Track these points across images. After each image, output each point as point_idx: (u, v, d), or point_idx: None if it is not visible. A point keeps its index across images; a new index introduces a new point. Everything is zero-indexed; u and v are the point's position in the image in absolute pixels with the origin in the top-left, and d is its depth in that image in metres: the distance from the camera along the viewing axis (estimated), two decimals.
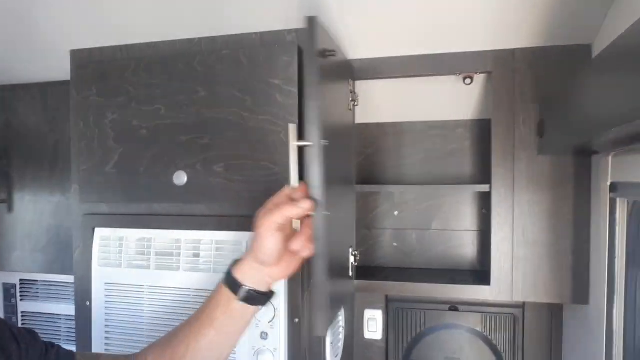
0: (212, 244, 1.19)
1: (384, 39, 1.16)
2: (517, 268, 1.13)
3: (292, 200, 0.80)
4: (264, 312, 1.13)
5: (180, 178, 1.21)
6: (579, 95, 0.97)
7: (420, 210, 1.41)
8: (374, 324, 1.45)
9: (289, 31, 1.16)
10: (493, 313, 1.34)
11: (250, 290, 0.84)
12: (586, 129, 0.82)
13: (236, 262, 0.88)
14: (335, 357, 1.26)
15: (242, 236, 1.17)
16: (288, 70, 1.14)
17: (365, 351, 1.48)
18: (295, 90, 1.14)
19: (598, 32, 1.03)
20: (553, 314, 1.33)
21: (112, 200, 1.26)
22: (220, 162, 1.19)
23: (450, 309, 1.38)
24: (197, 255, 1.21)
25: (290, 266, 0.85)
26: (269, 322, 1.14)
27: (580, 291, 1.09)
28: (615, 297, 0.86)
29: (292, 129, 0.86)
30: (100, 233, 1.28)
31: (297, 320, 1.14)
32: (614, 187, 0.85)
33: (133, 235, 1.25)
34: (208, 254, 1.20)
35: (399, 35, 1.13)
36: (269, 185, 1.15)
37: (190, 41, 1.23)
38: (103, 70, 1.27)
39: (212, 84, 1.19)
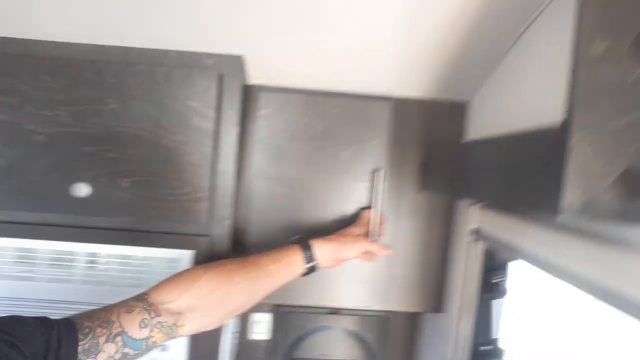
0: (111, 258, 1.19)
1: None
2: (393, 283, 1.34)
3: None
4: None
5: (81, 189, 1.18)
6: (455, 148, 1.19)
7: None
8: (259, 326, 1.58)
9: (210, 55, 1.19)
10: (368, 315, 1.55)
11: (318, 267, 1.07)
12: (462, 184, 1.03)
13: (317, 240, 1.08)
14: None
15: (146, 251, 1.19)
16: (206, 95, 1.18)
17: (249, 351, 1.59)
18: (212, 114, 1.18)
19: (475, 93, 1.26)
20: (415, 318, 1.60)
21: None
22: (128, 177, 1.18)
23: (330, 313, 1.56)
24: (92, 268, 1.19)
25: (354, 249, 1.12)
26: None
27: (438, 303, 1.34)
28: (461, 314, 1.10)
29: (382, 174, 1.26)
30: None
31: None
32: (476, 232, 1.08)
33: (11, 244, 1.17)
34: (106, 267, 1.19)
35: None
36: (179, 203, 1.19)
37: (99, 48, 1.18)
38: None
39: (124, 98, 1.17)
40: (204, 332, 0.99)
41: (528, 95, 0.98)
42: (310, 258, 1.05)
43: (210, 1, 1.00)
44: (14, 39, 1.18)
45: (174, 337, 0.89)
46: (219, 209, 1.20)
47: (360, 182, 1.33)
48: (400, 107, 1.33)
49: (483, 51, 1.08)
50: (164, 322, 0.86)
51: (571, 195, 0.57)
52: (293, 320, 1.56)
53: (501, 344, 1.07)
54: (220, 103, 1.19)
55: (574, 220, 0.61)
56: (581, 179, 0.57)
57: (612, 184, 0.57)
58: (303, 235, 1.11)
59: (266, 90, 1.32)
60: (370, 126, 1.32)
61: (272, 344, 1.57)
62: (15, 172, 1.17)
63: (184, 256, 1.19)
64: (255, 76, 1.29)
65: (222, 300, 0.94)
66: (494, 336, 1.08)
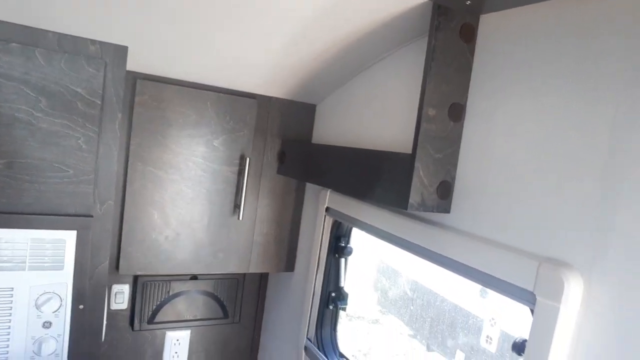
0: None
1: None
2: (253, 250, 1.63)
3: None
4: (48, 303, 1.22)
5: None
6: (306, 143, 1.52)
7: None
8: (121, 297, 1.68)
9: (93, 41, 1.22)
10: (223, 279, 1.81)
11: None
12: (312, 173, 1.37)
13: None
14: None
15: (26, 234, 1.19)
16: (92, 82, 1.22)
17: (111, 320, 1.68)
18: (99, 101, 1.23)
19: (323, 98, 1.61)
20: (262, 278, 1.93)
21: None
22: (1, 158, 1.15)
23: (191, 279, 1.76)
24: None
25: None
26: (53, 312, 1.24)
27: (291, 264, 1.69)
28: (317, 271, 1.48)
29: None
30: None
31: (81, 306, 1.28)
32: (327, 210, 1.44)
33: None
34: None
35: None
36: (61, 186, 1.22)
37: None
38: None
39: None
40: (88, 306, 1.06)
41: (361, 114, 1.37)
42: None
43: None
44: None
45: None
46: (102, 191, 1.27)
47: (229, 166, 1.54)
48: (264, 104, 1.59)
49: (335, 70, 1.42)
50: None
51: (413, 197, 0.96)
52: (154, 289, 1.70)
53: (346, 289, 1.48)
54: (106, 90, 1.24)
55: (412, 211, 1.00)
56: (418, 187, 0.96)
57: (434, 190, 0.98)
58: None
59: (145, 78, 1.40)
60: (239, 119, 1.54)
61: (132, 313, 1.69)
62: None
63: (69, 236, 1.23)
64: (135, 64, 1.36)
65: None
66: (341, 284, 1.48)
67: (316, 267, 1.48)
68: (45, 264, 1.21)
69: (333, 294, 1.46)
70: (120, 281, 1.66)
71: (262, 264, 1.66)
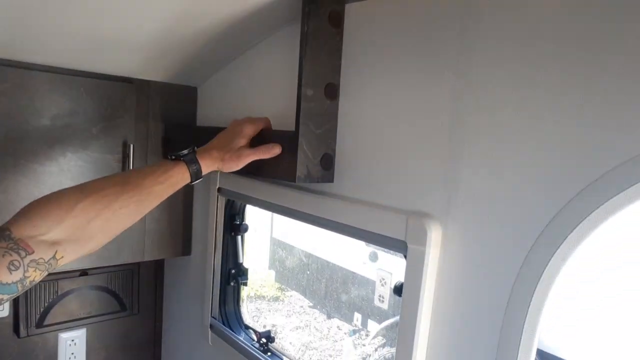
0: None
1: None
2: (147, 237, 1.61)
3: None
4: None
5: None
6: (189, 127, 1.53)
7: None
8: None
9: None
10: (116, 271, 1.76)
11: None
12: None
13: (198, 151, 1.05)
14: None
15: None
16: None
17: None
18: None
19: (204, 81, 1.62)
20: (157, 264, 1.91)
21: None
22: None
23: (80, 275, 1.69)
24: None
25: (239, 165, 1.08)
26: None
27: (186, 249, 1.71)
28: (215, 250, 1.52)
29: None
30: None
31: None
32: (219, 190, 1.48)
33: None
34: None
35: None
36: None
37: None
38: None
39: None
40: None
41: (243, 96, 1.43)
42: (197, 174, 1.03)
43: None
44: None
45: (54, 270, 0.83)
46: None
47: (112, 154, 1.49)
48: (143, 88, 1.55)
49: (214, 53, 1.45)
50: (40, 259, 0.78)
51: (300, 169, 1.05)
52: (39, 291, 1.60)
53: (245, 265, 1.54)
54: None
55: (300, 183, 1.10)
56: (304, 160, 1.06)
57: (318, 162, 1.08)
58: (190, 151, 1.06)
59: (4, 64, 1.29)
60: (118, 104, 1.49)
61: (15, 319, 1.57)
62: None
63: None
64: None
65: (102, 228, 0.88)
66: (240, 261, 1.53)
67: (213, 247, 1.52)
68: None
69: (233, 271, 1.51)
70: None
71: (158, 250, 1.65)
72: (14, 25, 1.17)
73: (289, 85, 1.25)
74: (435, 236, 0.90)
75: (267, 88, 1.37)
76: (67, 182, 1.42)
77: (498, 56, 0.83)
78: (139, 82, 1.54)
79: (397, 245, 0.95)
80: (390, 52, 1.01)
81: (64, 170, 1.41)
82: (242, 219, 1.52)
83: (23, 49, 1.27)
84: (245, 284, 1.55)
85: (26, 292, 1.57)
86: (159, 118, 1.60)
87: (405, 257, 0.94)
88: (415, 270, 0.92)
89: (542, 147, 0.77)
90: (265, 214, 1.36)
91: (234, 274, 1.52)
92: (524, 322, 0.77)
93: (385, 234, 0.97)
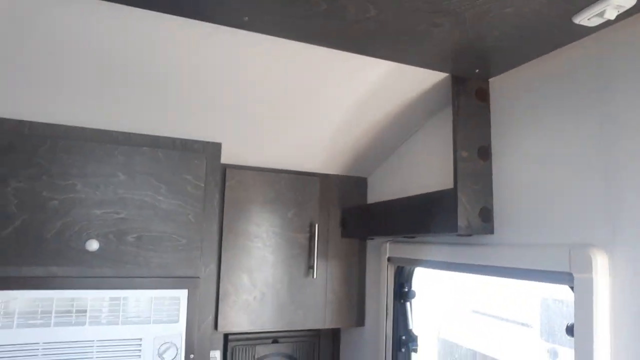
0: (120, 301, 1.44)
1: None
2: (327, 307, 1.84)
3: None
4: (168, 352, 1.45)
5: (92, 245, 1.43)
6: (361, 208, 1.80)
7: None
8: None
9: (195, 141, 1.61)
10: (301, 341, 1.99)
11: None
12: (370, 229, 1.63)
13: None
14: None
15: (149, 293, 1.47)
16: (198, 171, 1.58)
17: None
18: (202, 184, 1.58)
19: (372, 172, 1.92)
20: (334, 335, 2.09)
21: (1, 263, 1.34)
22: (133, 233, 1.48)
23: (273, 342, 1.96)
24: (99, 311, 1.42)
25: None
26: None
27: (360, 319, 1.88)
28: (386, 317, 1.66)
29: None
30: None
31: (192, 356, 1.51)
32: (389, 259, 1.68)
33: (27, 296, 1.35)
34: (115, 310, 1.44)
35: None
36: (176, 253, 1.52)
37: (106, 132, 1.51)
38: (8, 141, 1.37)
39: (131, 172, 1.50)
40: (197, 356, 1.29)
41: (402, 176, 1.66)
42: None
43: (195, 101, 1.46)
44: (34, 122, 1.43)
45: None
46: (206, 256, 1.57)
47: (301, 233, 1.83)
48: (325, 180, 1.92)
49: (380, 149, 1.76)
50: None
51: (461, 222, 1.20)
52: (241, 353, 1.90)
53: (415, 331, 1.64)
54: (207, 177, 1.60)
55: (461, 234, 1.24)
56: (463, 214, 1.21)
57: (477, 215, 1.22)
58: None
59: (233, 167, 1.77)
60: (306, 193, 1.86)
61: None
62: (31, 232, 1.37)
63: (182, 295, 1.51)
64: (226, 157, 1.74)
65: None
66: (410, 327, 1.64)
67: (385, 314, 1.67)
68: (164, 318, 1.48)
69: (403, 337, 1.62)
70: (213, 347, 1.88)
71: (336, 319, 1.85)
72: (245, 143, 1.66)
73: (445, 157, 1.46)
74: (601, 264, 0.94)
75: (425, 165, 1.60)
76: (269, 255, 1.77)
77: (634, 88, 0.93)
78: (322, 175, 1.92)
79: (563, 278, 1.00)
80: (533, 112, 1.17)
81: (266, 245, 1.78)
82: (410, 285, 1.66)
83: (246, 156, 1.75)
84: (416, 350, 1.63)
85: (232, 353, 1.90)
86: (337, 203, 1.92)
87: (571, 288, 0.98)
88: (584, 301, 0.95)
89: None
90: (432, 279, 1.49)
91: (404, 340, 1.62)
92: None
93: (549, 269, 1.03)
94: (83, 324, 1.40)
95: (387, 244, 1.70)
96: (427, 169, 1.58)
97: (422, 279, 1.62)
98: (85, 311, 1.41)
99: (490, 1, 0.90)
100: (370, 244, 1.91)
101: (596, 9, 0.87)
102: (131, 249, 1.48)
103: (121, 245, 1.47)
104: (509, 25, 0.99)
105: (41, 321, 1.36)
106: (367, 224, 1.71)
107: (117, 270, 1.46)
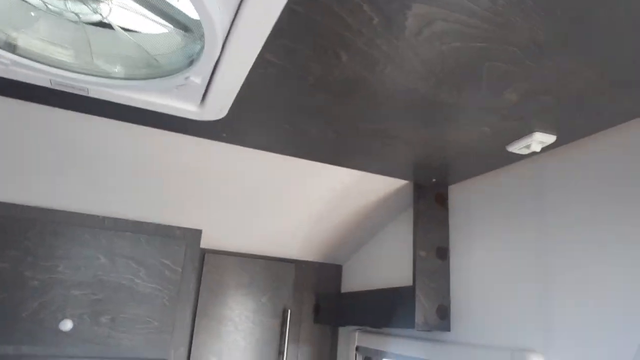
0: None
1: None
2: None
3: None
4: None
5: (66, 325, 1.47)
6: (335, 296, 1.87)
7: None
8: None
9: (179, 228, 1.70)
10: None
11: None
12: (342, 317, 1.69)
13: None
14: None
15: None
16: (177, 256, 1.67)
17: None
18: (180, 269, 1.66)
19: (347, 260, 2.01)
20: None
21: None
22: (107, 314, 1.53)
23: None
24: None
25: None
26: None
27: None
28: None
29: None
30: None
31: None
32: (357, 349, 1.72)
33: None
34: None
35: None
36: (147, 335, 1.56)
37: (94, 217, 1.60)
38: (0, 224, 1.46)
39: (112, 255, 1.58)
40: None
41: (375, 266, 1.75)
42: None
43: (179, 191, 1.57)
44: (26, 206, 1.53)
45: None
46: (177, 339, 1.61)
47: (274, 318, 1.88)
48: (300, 266, 1.99)
49: (353, 240, 1.86)
50: None
51: (418, 318, 1.28)
52: None
53: None
54: (185, 262, 1.68)
55: (419, 330, 1.31)
56: (421, 310, 1.29)
57: (434, 312, 1.30)
58: None
59: (211, 252, 1.86)
60: (281, 279, 1.93)
61: None
62: (7, 311, 1.42)
63: None
64: (205, 243, 1.83)
65: None
66: None
67: None
68: None
69: None
70: None
71: None
72: (225, 229, 1.76)
73: (409, 253, 1.56)
74: None
75: (393, 259, 1.69)
76: (240, 340, 1.80)
77: (567, 208, 1.06)
78: (298, 262, 2.00)
79: None
80: (485, 219, 1.29)
81: (238, 329, 1.82)
82: None
83: (225, 242, 1.85)
84: None
85: None
86: (312, 289, 1.99)
87: None
88: None
89: (618, 288, 0.92)
90: None
91: None
92: None
93: None
94: None
95: (357, 333, 1.75)
96: (395, 262, 1.68)
97: None
98: None
99: (432, 131, 1.06)
100: (342, 332, 1.96)
101: (523, 142, 1.02)
102: (104, 330, 1.52)
103: (94, 326, 1.51)
104: (452, 150, 1.15)
105: None
106: (339, 311, 1.77)
107: (87, 350, 1.49)
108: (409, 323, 1.29)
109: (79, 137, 1.28)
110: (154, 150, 1.34)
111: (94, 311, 1.52)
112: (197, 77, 0.83)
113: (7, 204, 1.51)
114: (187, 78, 0.83)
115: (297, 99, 0.95)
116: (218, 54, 0.76)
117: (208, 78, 0.85)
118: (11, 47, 0.80)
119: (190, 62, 0.82)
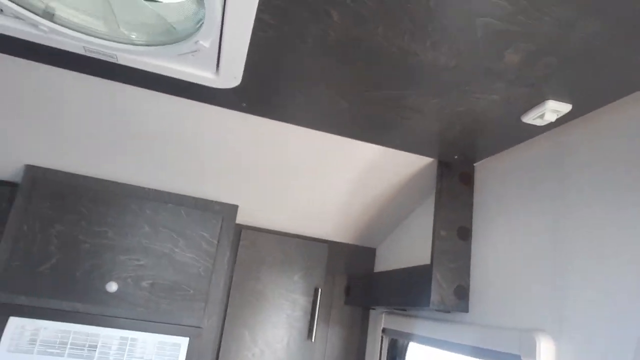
0: (127, 341, 1.59)
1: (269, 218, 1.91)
2: None
3: None
4: None
5: (112, 287, 1.61)
6: (367, 278, 1.88)
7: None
8: None
9: (217, 202, 1.80)
10: None
11: None
12: (371, 298, 1.70)
13: None
14: None
15: (155, 337, 1.61)
16: (214, 229, 1.76)
17: None
18: (216, 242, 1.75)
19: (381, 242, 2.01)
20: None
21: (36, 294, 1.54)
22: (148, 279, 1.66)
23: None
24: (108, 348, 1.57)
25: None
26: None
27: None
28: None
29: None
30: (14, 322, 1.52)
31: None
32: (384, 330, 1.72)
33: (52, 326, 1.54)
34: (122, 349, 1.58)
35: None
36: (183, 302, 1.67)
37: (141, 189, 1.74)
38: (60, 190, 1.64)
39: (156, 225, 1.71)
40: None
41: (407, 248, 1.74)
42: None
43: (219, 167, 1.66)
44: (74, 174, 1.69)
45: None
46: (211, 308, 1.70)
47: (306, 297, 1.92)
48: (333, 247, 2.02)
49: (386, 222, 1.86)
50: None
51: (434, 297, 1.26)
52: None
53: None
54: (221, 235, 1.77)
55: (435, 309, 1.29)
56: (437, 290, 1.27)
57: (452, 292, 1.28)
58: None
59: (247, 228, 1.94)
60: (314, 259, 1.97)
61: None
62: (63, 270, 1.59)
63: (183, 342, 1.63)
64: (242, 219, 1.92)
65: None
66: None
67: None
68: None
69: None
70: None
71: None
72: (260, 206, 1.84)
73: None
74: (545, 347, 0.97)
75: (426, 239, 1.67)
76: (272, 315, 1.87)
77: (589, 188, 1.00)
78: (332, 243, 2.03)
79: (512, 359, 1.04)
80: (507, 198, 1.25)
81: (271, 305, 1.88)
82: (404, 355, 1.68)
83: (261, 219, 1.92)
84: None
85: None
86: (344, 271, 2.01)
87: None
88: None
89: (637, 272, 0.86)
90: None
91: None
92: None
93: (503, 350, 1.07)
94: (92, 358, 1.55)
95: (383, 315, 1.75)
96: (426, 244, 1.66)
97: (418, 356, 1.64)
98: (95, 347, 1.56)
99: (441, 100, 1.04)
100: (372, 315, 1.96)
101: (537, 112, 0.98)
102: (144, 294, 1.65)
103: (137, 290, 1.64)
104: (466, 120, 1.12)
105: (57, 351, 1.53)
106: (368, 293, 1.78)
107: (129, 311, 1.62)
108: (425, 302, 1.27)
109: (131, 113, 1.40)
110: (195, 127, 1.43)
111: (137, 276, 1.65)
112: (205, 41, 0.90)
113: (68, 173, 1.68)
114: (197, 42, 0.90)
115: (301, 64, 0.99)
116: (220, 16, 0.83)
117: (217, 43, 0.92)
118: (49, 16, 0.91)
119: (200, 27, 0.89)
